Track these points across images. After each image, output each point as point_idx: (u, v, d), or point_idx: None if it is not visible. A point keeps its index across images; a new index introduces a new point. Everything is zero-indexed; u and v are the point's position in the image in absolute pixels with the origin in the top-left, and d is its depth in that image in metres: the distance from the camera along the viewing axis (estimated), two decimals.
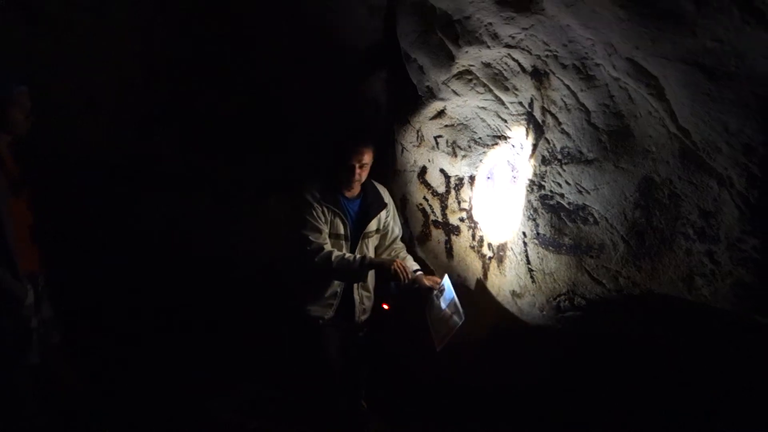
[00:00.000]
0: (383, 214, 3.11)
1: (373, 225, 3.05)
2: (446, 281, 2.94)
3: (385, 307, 2.96)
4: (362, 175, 2.92)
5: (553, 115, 2.47)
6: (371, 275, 3.12)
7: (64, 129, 3.60)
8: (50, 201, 2.80)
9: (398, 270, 2.81)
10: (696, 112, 1.91)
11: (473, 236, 3.16)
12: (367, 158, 2.90)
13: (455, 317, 2.77)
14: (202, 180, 3.89)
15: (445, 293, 2.90)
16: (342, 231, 2.95)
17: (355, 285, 3.04)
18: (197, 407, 3.47)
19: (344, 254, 2.87)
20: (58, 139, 3.55)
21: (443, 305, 2.89)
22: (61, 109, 3.55)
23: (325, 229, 2.89)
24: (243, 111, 3.72)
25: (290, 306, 3.07)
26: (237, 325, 3.89)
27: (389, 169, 3.66)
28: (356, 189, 3.00)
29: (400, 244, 3.20)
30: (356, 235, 2.99)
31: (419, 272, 3.08)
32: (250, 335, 3.83)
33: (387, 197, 3.17)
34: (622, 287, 2.30)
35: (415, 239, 3.53)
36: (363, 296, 3.10)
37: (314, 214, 2.86)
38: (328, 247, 2.85)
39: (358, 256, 2.89)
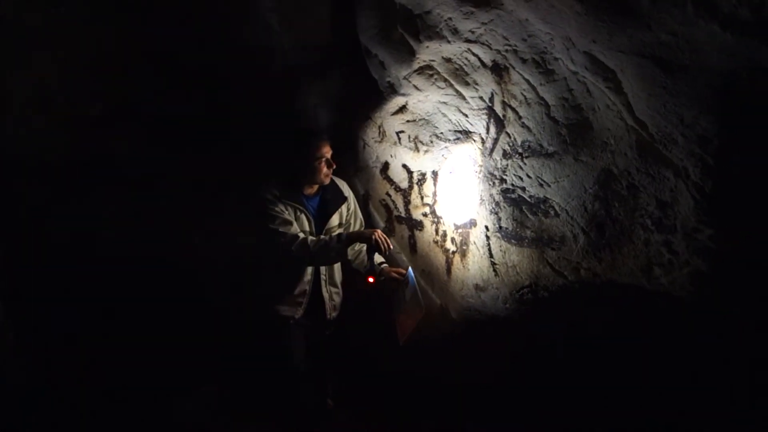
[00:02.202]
0: (344, 207, 3.07)
1: (335, 220, 3.00)
2: (410, 273, 2.92)
3: (371, 280, 2.88)
4: (330, 171, 2.88)
5: (513, 110, 2.47)
6: (338, 270, 3.08)
7: (16, 129, 3.44)
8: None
9: (379, 240, 2.72)
10: (652, 105, 1.92)
11: (436, 231, 3.15)
12: (330, 152, 2.86)
13: (416, 309, 2.76)
14: (159, 180, 3.78)
15: (409, 285, 2.89)
16: (307, 227, 2.90)
17: (323, 282, 2.99)
18: (158, 407, 3.36)
19: (319, 237, 2.81)
20: (9, 141, 3.41)
21: (407, 297, 2.87)
22: (12, 108, 3.39)
23: (295, 223, 2.83)
24: (201, 109, 3.62)
25: (257, 306, 3.00)
26: (200, 324, 3.79)
27: (351, 166, 3.62)
28: (318, 185, 2.95)
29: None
30: (319, 231, 2.93)
31: (384, 264, 3.04)
32: (214, 335, 3.74)
33: (347, 190, 3.13)
34: (583, 278, 2.31)
35: None
36: (332, 293, 3.05)
37: (280, 208, 2.80)
38: (302, 235, 2.78)
39: (333, 234, 2.83)
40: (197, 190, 3.80)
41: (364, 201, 3.41)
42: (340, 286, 3.12)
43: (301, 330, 2.98)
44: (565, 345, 2.51)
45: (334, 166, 2.89)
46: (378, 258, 3.02)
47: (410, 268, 2.99)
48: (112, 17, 3.29)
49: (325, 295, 3.02)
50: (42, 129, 3.49)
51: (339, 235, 2.79)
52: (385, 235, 2.75)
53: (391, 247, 2.75)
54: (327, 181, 2.91)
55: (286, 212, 2.82)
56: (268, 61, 3.51)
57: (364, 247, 3.11)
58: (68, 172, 3.58)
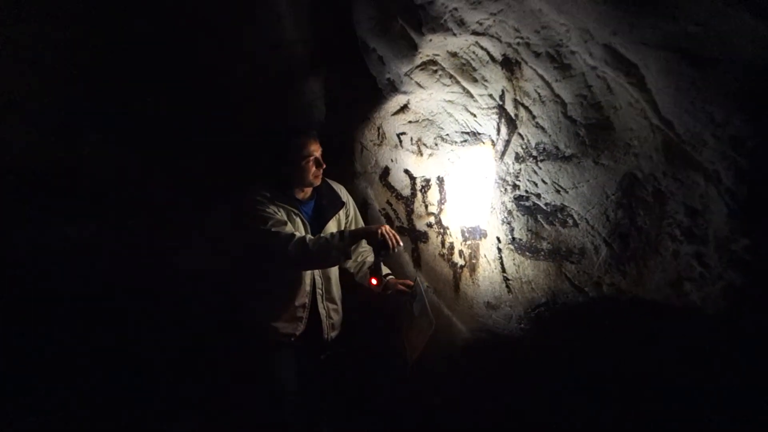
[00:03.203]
0: (342, 214, 3.08)
1: (332, 227, 3.00)
2: (418, 285, 2.92)
3: (374, 282, 2.88)
4: (321, 169, 2.89)
5: (526, 108, 2.48)
6: (336, 284, 3.08)
7: None
8: None
9: (386, 235, 2.67)
10: (679, 103, 1.93)
11: (443, 243, 3.15)
12: (320, 150, 2.88)
13: (426, 325, 2.76)
14: (134, 189, 3.79)
15: (417, 298, 2.89)
16: (302, 230, 2.88)
17: (319, 297, 2.98)
18: None
19: (319, 235, 2.76)
20: None
21: (415, 312, 2.88)
22: None
23: (289, 224, 2.82)
24: (180, 112, 3.65)
25: (250, 324, 2.98)
26: (178, 350, 3.81)
27: (348, 171, 3.63)
28: (309, 189, 2.96)
29: (367, 247, 3.14)
30: None
31: (390, 276, 3.05)
32: (194, 360, 3.75)
33: (345, 195, 3.14)
34: (606, 295, 2.31)
35: None
36: (330, 309, 3.04)
37: (271, 209, 2.79)
38: (298, 233, 2.74)
39: (335, 231, 2.79)
40: (179, 198, 3.81)
41: (362, 210, 3.42)
42: (339, 302, 3.11)
43: (292, 352, 2.97)
44: (587, 370, 2.50)
45: (324, 166, 2.89)
46: (383, 268, 3.02)
47: (418, 279, 2.99)
48: (83, 13, 3.31)
49: (322, 311, 3.00)
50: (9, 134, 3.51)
51: (341, 232, 2.74)
52: (393, 231, 2.71)
53: (401, 244, 2.73)
54: (317, 182, 2.92)
55: (279, 213, 2.82)
56: (257, 57, 3.53)
57: (368, 256, 3.12)
58: (34, 180, 3.59)
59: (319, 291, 2.99)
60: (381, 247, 2.70)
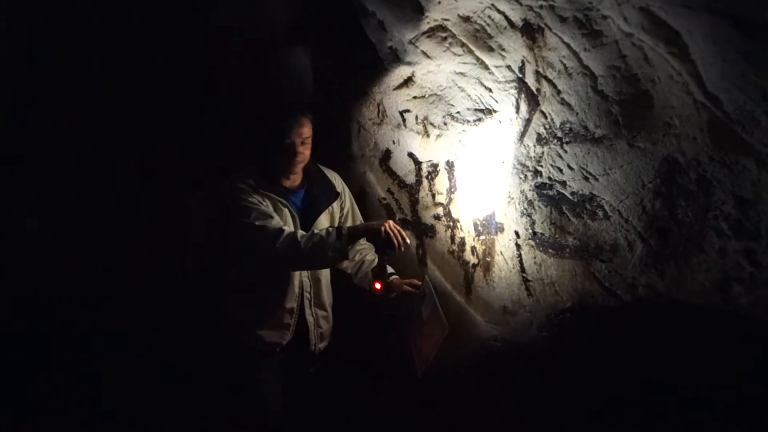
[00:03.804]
0: (336, 206, 3.08)
1: (323, 221, 3.01)
2: (427, 284, 2.93)
3: (378, 286, 2.88)
4: (305, 153, 2.88)
5: (550, 82, 2.47)
6: (326, 287, 3.09)
7: None
8: None
9: (392, 233, 2.66)
10: (727, 75, 1.93)
11: (452, 238, 3.15)
12: (309, 132, 2.87)
13: (437, 329, 2.76)
14: (99, 175, 3.79)
15: (426, 300, 2.89)
16: (291, 224, 2.89)
17: (307, 302, 2.99)
18: None
19: (312, 232, 2.75)
20: None
21: (424, 315, 2.88)
22: None
23: (276, 216, 2.82)
24: (148, 93, 3.65)
25: (230, 331, 3.00)
26: (148, 356, 3.83)
27: (343, 154, 3.63)
28: (298, 176, 2.96)
29: (366, 244, 3.12)
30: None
31: (394, 276, 3.06)
32: (166, 371, 3.78)
33: (340, 185, 3.15)
34: (641, 298, 2.31)
35: None
36: (318, 317, 3.05)
37: (255, 199, 2.79)
38: (287, 228, 2.74)
39: (331, 228, 2.77)
40: (151, 188, 3.83)
41: (359, 200, 3.42)
42: (329, 309, 3.12)
43: (277, 365, 2.98)
44: (619, 384, 2.51)
45: (308, 152, 2.89)
46: (388, 268, 3.02)
47: (427, 278, 2.99)
48: None
49: (310, 319, 3.01)
50: None
51: (338, 228, 2.73)
52: (398, 227, 2.70)
53: (408, 242, 2.73)
54: (298, 169, 2.92)
55: (264, 204, 2.82)
56: (233, 22, 3.52)
57: (368, 254, 3.12)
58: None
59: (306, 295, 3.00)
60: (386, 246, 2.70)
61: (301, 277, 2.97)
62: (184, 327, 3.74)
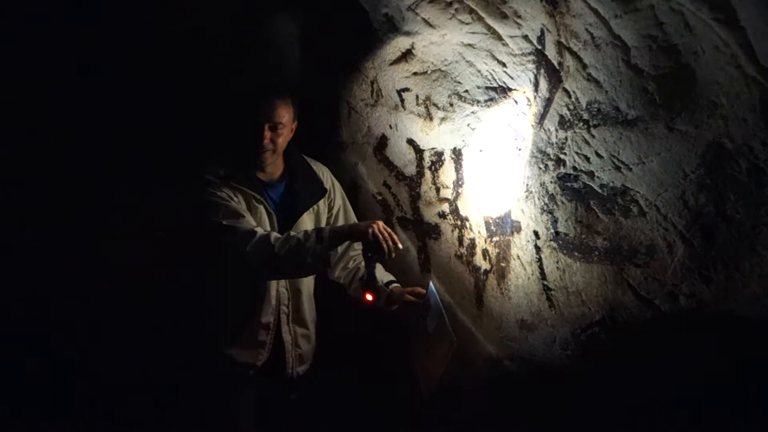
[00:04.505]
0: (323, 205, 3.08)
1: (306, 221, 3.01)
2: (432, 291, 2.93)
3: (369, 297, 2.88)
4: (277, 142, 2.86)
5: (574, 55, 2.47)
6: (308, 301, 3.10)
7: None
8: None
9: (380, 234, 2.65)
10: None
11: (460, 240, 3.15)
12: (283, 117, 2.85)
13: (444, 343, 2.76)
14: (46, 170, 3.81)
15: (431, 310, 2.90)
16: (267, 226, 2.89)
17: (284, 317, 2.99)
18: None
19: (288, 234, 2.74)
20: None
21: (429, 329, 2.89)
22: None
23: (249, 214, 2.82)
24: (106, 71, 3.66)
25: (192, 348, 3.01)
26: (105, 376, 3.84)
27: (331, 142, 3.63)
28: (278, 167, 2.97)
29: (358, 249, 3.14)
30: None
31: (394, 284, 3.06)
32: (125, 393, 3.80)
33: (328, 180, 3.15)
34: (682, 309, 2.31)
35: None
36: (298, 335, 3.06)
37: (225, 193, 2.79)
38: (260, 229, 2.74)
39: (310, 230, 2.76)
40: (108, 182, 3.84)
41: (350, 195, 3.42)
42: (311, 326, 3.13)
43: (251, 389, 2.98)
44: (656, 412, 2.51)
45: (280, 140, 2.87)
46: (385, 275, 3.04)
47: (431, 285, 2.99)
48: None
49: (287, 337, 3.02)
50: None
51: (318, 230, 2.73)
52: (388, 229, 2.70)
53: (400, 245, 2.73)
54: (267, 159, 2.90)
55: (235, 200, 2.82)
56: None
57: (356, 259, 3.13)
58: None
59: (283, 309, 3.00)
60: (373, 251, 2.70)
61: (278, 288, 2.97)
62: (152, 344, 3.74)
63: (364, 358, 3.55)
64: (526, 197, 2.76)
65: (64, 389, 3.86)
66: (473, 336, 3.12)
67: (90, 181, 3.85)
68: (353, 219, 3.22)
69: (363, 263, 3.12)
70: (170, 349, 3.17)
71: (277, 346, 3.00)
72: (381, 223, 2.70)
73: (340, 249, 3.07)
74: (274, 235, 2.71)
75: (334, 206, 3.15)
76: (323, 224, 3.08)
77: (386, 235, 2.66)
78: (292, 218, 2.97)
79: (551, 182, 2.64)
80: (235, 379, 2.94)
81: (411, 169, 3.33)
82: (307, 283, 3.10)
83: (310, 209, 3.03)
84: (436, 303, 2.87)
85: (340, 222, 3.15)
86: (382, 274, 3.08)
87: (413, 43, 3.11)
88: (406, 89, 3.24)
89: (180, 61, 3.66)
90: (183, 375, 3.06)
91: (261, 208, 2.88)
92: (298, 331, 3.05)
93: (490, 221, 2.98)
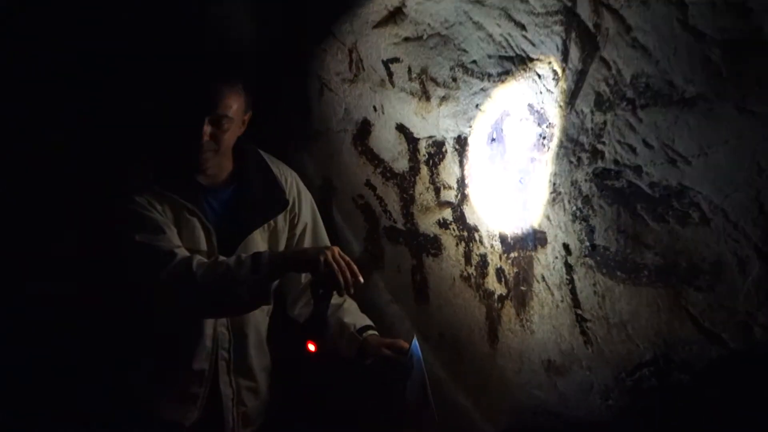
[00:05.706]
0: (281, 220, 3.09)
1: (258, 241, 3.01)
2: (415, 350, 2.93)
3: (311, 348, 2.89)
4: (221, 139, 2.86)
5: (615, 13, 2.48)
6: (255, 343, 3.11)
7: None
8: None
9: (333, 263, 2.62)
10: None
11: (467, 257, 3.16)
12: (230, 107, 2.84)
13: (425, 419, 2.80)
14: None
15: (413, 374, 2.91)
16: (203, 245, 2.90)
17: (223, 365, 3.01)
18: None
19: (216, 259, 2.74)
20: None
21: (410, 398, 2.90)
22: None
23: (173, 230, 2.82)
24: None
25: (110, 399, 3.03)
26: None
27: (295, 131, 3.63)
28: (223, 169, 2.98)
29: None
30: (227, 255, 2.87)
31: (370, 332, 3.08)
32: None
33: (294, 187, 3.16)
34: (758, 343, 2.32)
35: None
36: (241, 387, 3.08)
37: (146, 201, 2.79)
38: (183, 251, 2.74)
39: (243, 255, 2.72)
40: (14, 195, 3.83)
41: (321, 201, 3.42)
42: (260, 377, 3.15)
43: None
44: None
45: (226, 136, 2.86)
46: (361, 319, 3.07)
47: (415, 342, 2.98)
48: None
49: (226, 390, 3.04)
50: None
51: (256, 255, 2.70)
52: (345, 257, 2.69)
53: (359, 279, 2.71)
54: (205, 163, 2.90)
55: (159, 209, 2.82)
56: None
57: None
58: None
59: (223, 354, 3.01)
60: (325, 285, 2.70)
61: (215, 327, 2.97)
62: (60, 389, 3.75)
63: (332, 421, 3.54)
64: (554, 200, 2.78)
65: None
66: (488, 382, 3.13)
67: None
68: (325, 241, 3.22)
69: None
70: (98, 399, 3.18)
71: (214, 401, 3.01)
72: (337, 249, 2.70)
73: (303, 278, 3.07)
74: (198, 259, 2.69)
75: (299, 223, 3.15)
76: (282, 246, 3.08)
77: (342, 265, 2.64)
78: (238, 237, 2.96)
79: (586, 180, 2.66)
80: None
81: (402, 165, 3.34)
82: (255, 322, 3.11)
83: (264, 226, 3.03)
84: (419, 365, 2.87)
85: (307, 244, 3.15)
86: (355, 318, 3.10)
87: (404, 0, 3.12)
88: (395, 59, 3.25)
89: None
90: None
91: (195, 221, 2.88)
92: (241, 384, 3.07)
93: (506, 232, 2.99)
